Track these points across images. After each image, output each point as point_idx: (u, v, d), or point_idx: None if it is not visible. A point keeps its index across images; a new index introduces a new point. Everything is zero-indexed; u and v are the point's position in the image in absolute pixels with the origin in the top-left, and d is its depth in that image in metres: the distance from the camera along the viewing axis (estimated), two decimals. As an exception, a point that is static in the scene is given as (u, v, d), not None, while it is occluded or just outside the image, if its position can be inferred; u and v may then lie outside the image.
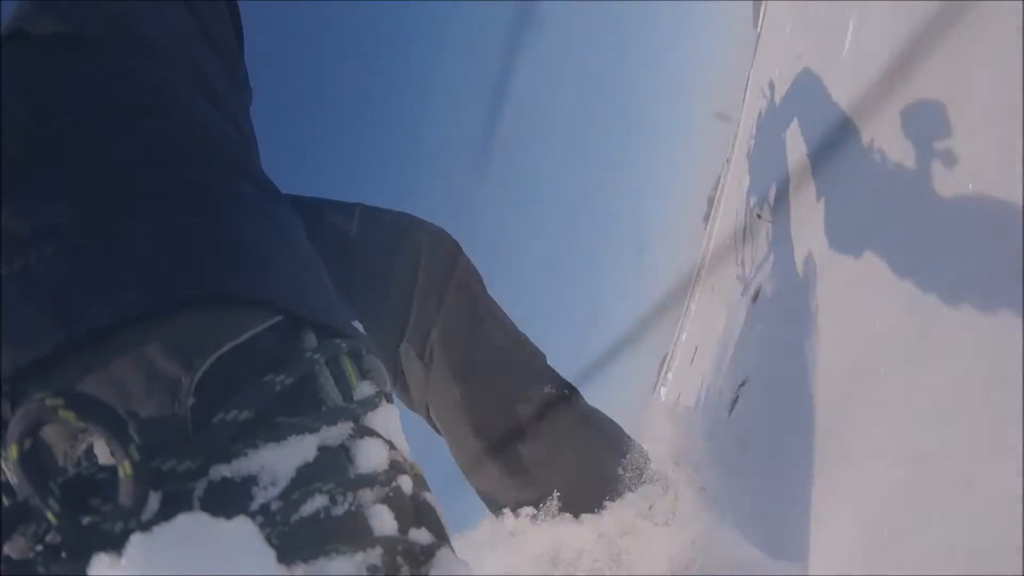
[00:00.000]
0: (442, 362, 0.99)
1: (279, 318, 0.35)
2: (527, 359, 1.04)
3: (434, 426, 1.04)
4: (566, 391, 1.01)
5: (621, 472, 0.95)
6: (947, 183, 0.99)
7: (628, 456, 0.97)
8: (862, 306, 1.17)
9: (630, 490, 0.93)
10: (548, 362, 1.06)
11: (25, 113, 0.37)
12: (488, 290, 1.10)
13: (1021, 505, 0.55)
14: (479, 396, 0.98)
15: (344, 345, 0.37)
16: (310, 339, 0.37)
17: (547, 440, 0.96)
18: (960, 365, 0.81)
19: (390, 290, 1.03)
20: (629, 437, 1.01)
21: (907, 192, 1.12)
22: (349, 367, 0.37)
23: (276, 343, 0.35)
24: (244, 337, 0.33)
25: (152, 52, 0.46)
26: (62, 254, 0.31)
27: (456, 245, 1.08)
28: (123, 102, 0.40)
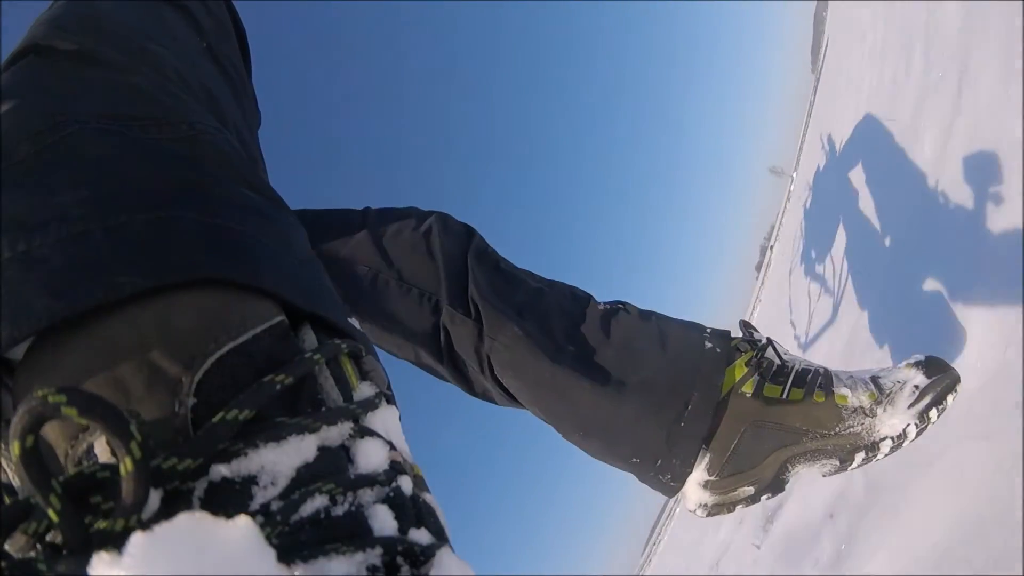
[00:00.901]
0: (489, 309, 0.96)
1: (280, 318, 0.36)
2: (566, 292, 1.02)
3: (503, 389, 0.99)
4: (619, 304, 1.00)
5: (710, 345, 0.91)
6: (1007, 229, 0.97)
7: (709, 330, 0.94)
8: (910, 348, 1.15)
9: (725, 362, 0.89)
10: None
11: (37, 118, 0.38)
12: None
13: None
14: (540, 326, 0.95)
15: (344, 346, 0.37)
16: (310, 339, 0.37)
17: (620, 344, 0.94)
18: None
19: (414, 272, 1.02)
20: (699, 323, 0.99)
21: (967, 239, 1.09)
22: (349, 367, 0.37)
23: (276, 343, 0.35)
24: (245, 337, 0.33)
25: (160, 71, 0.48)
26: (64, 240, 0.32)
27: (466, 224, 1.08)
28: (129, 113, 0.41)
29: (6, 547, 0.24)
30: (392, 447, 0.36)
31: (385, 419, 0.37)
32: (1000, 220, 1.00)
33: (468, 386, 1.04)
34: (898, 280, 1.43)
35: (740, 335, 0.96)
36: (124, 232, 0.33)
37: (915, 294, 1.28)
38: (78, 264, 0.31)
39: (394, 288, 1.01)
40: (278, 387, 0.32)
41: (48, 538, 0.25)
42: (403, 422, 0.40)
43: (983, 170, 1.10)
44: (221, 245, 0.36)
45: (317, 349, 0.35)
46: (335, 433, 0.33)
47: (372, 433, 0.35)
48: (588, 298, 1.01)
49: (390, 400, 0.40)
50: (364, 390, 0.37)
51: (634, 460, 0.92)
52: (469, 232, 1.07)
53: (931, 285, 1.21)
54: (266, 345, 0.34)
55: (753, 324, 0.98)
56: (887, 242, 1.66)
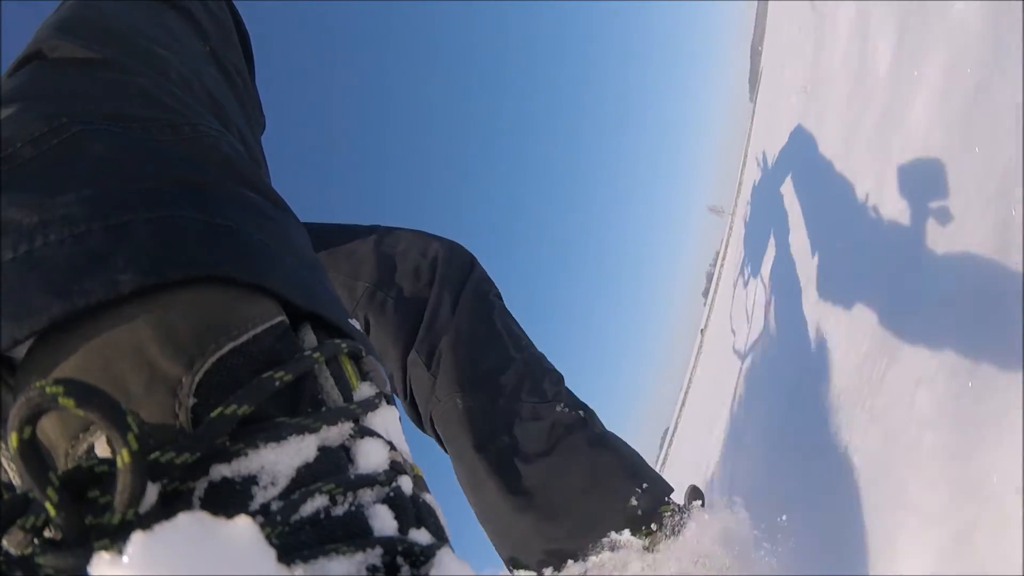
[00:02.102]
0: (448, 369, 0.94)
1: (280, 318, 0.35)
2: (540, 375, 0.96)
3: (441, 443, 0.98)
4: (581, 412, 0.93)
5: (635, 503, 0.83)
6: (943, 243, 0.97)
7: (646, 486, 0.85)
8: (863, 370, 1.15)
9: (644, 525, 0.82)
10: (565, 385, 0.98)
11: (40, 121, 0.38)
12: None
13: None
14: (483, 407, 0.91)
15: (344, 345, 0.37)
16: (310, 339, 0.37)
17: (554, 461, 0.87)
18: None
19: (407, 299, 1.00)
20: (650, 468, 0.91)
21: (902, 251, 1.10)
22: (349, 367, 0.37)
23: (276, 343, 0.35)
24: (245, 337, 0.33)
25: (163, 73, 0.48)
26: (66, 239, 0.32)
27: (471, 255, 1.07)
28: (132, 115, 0.41)
29: (3, 543, 0.24)
30: (392, 447, 0.35)
31: (385, 419, 0.37)
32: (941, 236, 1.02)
33: (420, 425, 1.02)
34: (837, 291, 1.48)
35: (680, 501, 0.88)
36: (125, 231, 0.33)
37: (845, 301, 1.31)
38: (79, 263, 0.31)
39: (389, 309, 1.00)
40: (277, 384, 0.32)
41: (46, 534, 0.24)
42: (403, 422, 0.39)
43: (920, 186, 1.12)
44: (222, 244, 0.35)
45: (317, 348, 0.35)
46: (335, 433, 0.33)
47: (372, 433, 0.35)
48: (557, 391, 0.95)
49: (390, 400, 0.40)
50: (364, 390, 0.37)
51: (509, 567, 0.88)
52: (472, 264, 1.05)
53: (868, 293, 1.25)
54: (266, 345, 0.34)
55: (702, 492, 0.92)
56: (820, 256, 1.72)
